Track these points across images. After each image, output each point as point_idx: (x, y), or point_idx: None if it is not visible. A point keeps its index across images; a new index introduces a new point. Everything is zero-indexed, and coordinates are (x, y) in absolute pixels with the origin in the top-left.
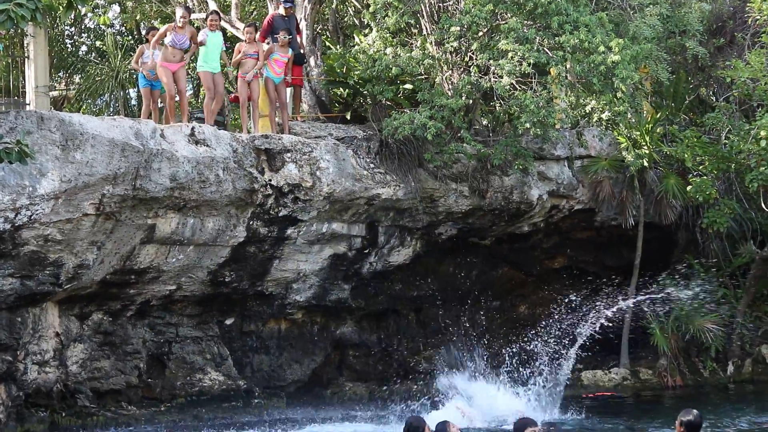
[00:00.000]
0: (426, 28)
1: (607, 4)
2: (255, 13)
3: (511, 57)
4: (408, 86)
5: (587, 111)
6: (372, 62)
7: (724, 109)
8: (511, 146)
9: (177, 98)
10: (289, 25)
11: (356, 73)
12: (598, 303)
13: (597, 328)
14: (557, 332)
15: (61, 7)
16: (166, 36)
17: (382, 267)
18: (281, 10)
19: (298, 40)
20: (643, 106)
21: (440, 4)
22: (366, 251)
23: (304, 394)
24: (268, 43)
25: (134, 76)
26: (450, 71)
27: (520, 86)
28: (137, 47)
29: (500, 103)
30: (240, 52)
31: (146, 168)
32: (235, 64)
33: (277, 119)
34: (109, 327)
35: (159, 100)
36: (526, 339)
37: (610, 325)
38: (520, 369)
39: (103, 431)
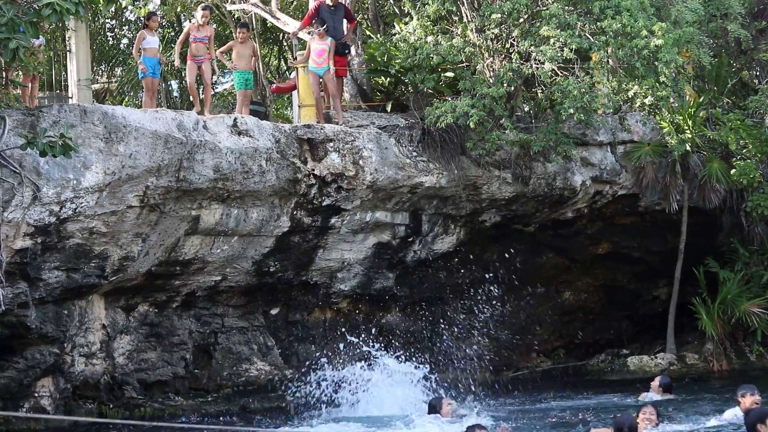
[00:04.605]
0: (466, 16)
1: None
2: (294, 3)
3: (553, 43)
4: (449, 74)
5: (630, 96)
6: (413, 51)
7: (767, 92)
8: (552, 133)
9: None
10: (335, 15)
11: (397, 61)
12: None
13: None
14: None
15: (102, 1)
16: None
17: (427, 255)
18: (328, 0)
19: (344, 30)
20: (685, 91)
21: None
22: (410, 239)
23: None
24: (309, 33)
25: (176, 68)
26: (491, 58)
27: (561, 72)
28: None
29: (542, 89)
30: (188, 34)
31: (189, 159)
32: (180, 45)
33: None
34: (155, 318)
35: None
36: None
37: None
38: None
39: (150, 422)
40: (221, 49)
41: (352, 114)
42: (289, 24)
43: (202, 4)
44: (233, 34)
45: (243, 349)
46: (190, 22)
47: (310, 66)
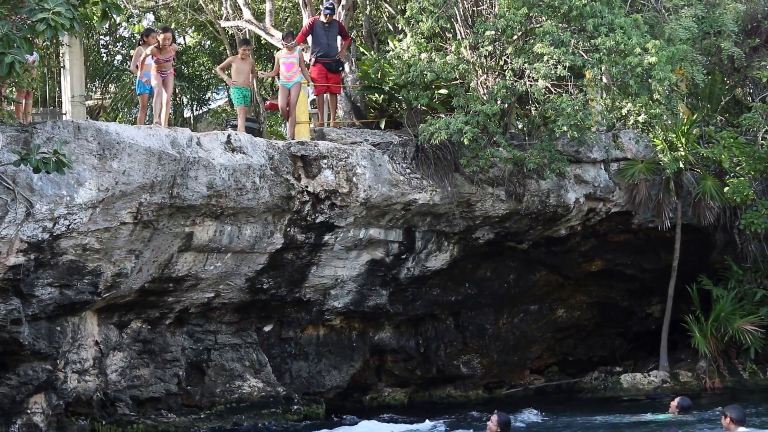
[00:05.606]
0: (460, 33)
1: (641, 6)
2: (289, 19)
3: (547, 60)
4: (443, 91)
5: (623, 113)
6: (407, 68)
7: (760, 110)
8: (546, 150)
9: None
10: (329, 31)
11: (391, 78)
12: None
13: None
14: None
15: (96, 17)
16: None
17: (420, 272)
18: (322, 17)
19: (339, 47)
20: (678, 108)
21: (474, 9)
22: (403, 256)
23: (343, 401)
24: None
25: None
26: (485, 75)
27: (555, 89)
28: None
29: (535, 106)
30: (150, 55)
31: (183, 176)
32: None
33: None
34: (148, 335)
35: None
36: None
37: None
38: None
39: None
40: (221, 65)
41: (345, 131)
42: None
43: (162, 26)
44: (227, 51)
45: (236, 366)
46: (156, 46)
47: (281, 80)
